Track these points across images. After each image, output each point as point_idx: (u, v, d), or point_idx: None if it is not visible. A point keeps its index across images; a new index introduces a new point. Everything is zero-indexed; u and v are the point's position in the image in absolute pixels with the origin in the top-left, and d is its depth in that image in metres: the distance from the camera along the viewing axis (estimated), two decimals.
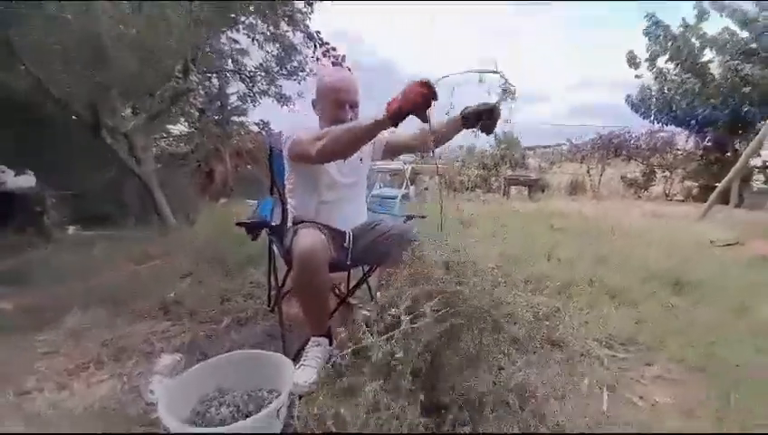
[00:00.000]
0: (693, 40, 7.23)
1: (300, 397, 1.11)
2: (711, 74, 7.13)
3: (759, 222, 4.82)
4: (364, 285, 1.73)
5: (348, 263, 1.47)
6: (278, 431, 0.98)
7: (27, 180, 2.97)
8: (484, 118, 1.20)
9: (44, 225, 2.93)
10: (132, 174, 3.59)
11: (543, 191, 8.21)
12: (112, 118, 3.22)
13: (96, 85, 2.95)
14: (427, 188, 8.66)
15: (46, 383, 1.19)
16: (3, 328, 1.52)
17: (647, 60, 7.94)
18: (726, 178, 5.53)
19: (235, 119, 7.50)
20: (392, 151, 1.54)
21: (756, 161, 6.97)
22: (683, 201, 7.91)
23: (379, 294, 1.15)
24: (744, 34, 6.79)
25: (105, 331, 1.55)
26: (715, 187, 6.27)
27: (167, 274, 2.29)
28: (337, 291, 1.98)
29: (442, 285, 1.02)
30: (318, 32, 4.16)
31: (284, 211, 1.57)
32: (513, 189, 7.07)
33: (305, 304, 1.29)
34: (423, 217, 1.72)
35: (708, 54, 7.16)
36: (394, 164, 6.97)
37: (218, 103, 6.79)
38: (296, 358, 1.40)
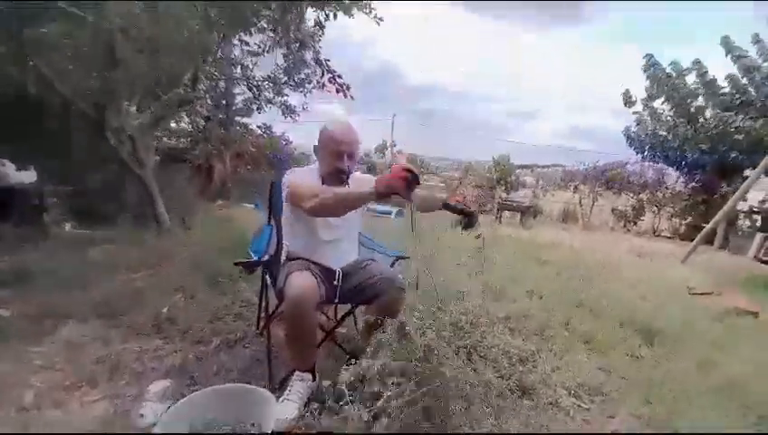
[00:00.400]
0: (688, 84, 7.51)
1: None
2: (703, 120, 7.39)
3: (740, 268, 5.00)
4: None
5: (336, 300, 1.56)
6: None
7: (29, 176, 3.02)
8: (463, 218, 1.39)
9: (44, 221, 2.97)
10: (133, 174, 3.65)
11: (535, 217, 8.38)
12: (117, 118, 3.29)
13: (104, 84, 3.02)
14: None
15: (43, 400, 1.26)
16: (1, 337, 1.58)
17: (643, 100, 8.22)
18: (713, 221, 5.71)
19: (239, 119, 7.60)
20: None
21: (743, 206, 7.19)
22: (670, 238, 8.13)
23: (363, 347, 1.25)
24: (743, 81, 7.05)
25: (100, 345, 1.62)
26: (702, 227, 6.50)
27: (161, 284, 2.35)
28: (324, 317, 2.07)
29: (420, 368, 1.12)
30: (327, 60, 4.28)
31: (279, 243, 1.66)
32: (506, 213, 7.22)
33: (292, 343, 1.37)
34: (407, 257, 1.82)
35: (701, 100, 7.43)
36: None
37: (224, 102, 6.86)
38: (281, 386, 1.49)
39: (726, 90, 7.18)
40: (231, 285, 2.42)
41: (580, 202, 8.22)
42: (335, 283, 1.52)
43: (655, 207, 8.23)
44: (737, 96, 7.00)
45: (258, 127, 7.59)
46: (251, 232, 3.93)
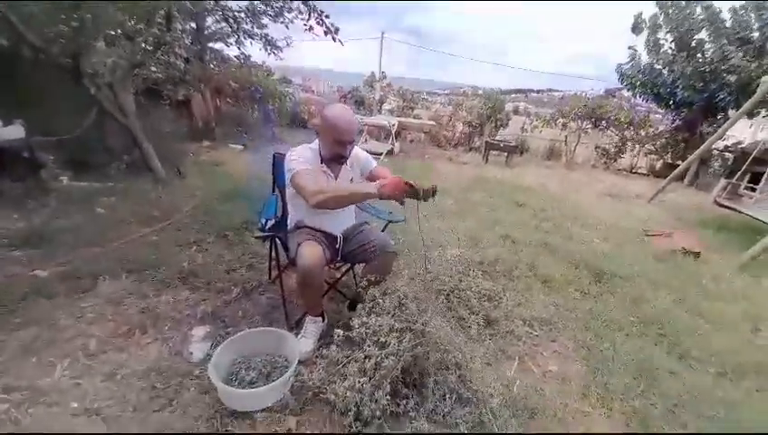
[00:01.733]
0: (697, 14, 7.17)
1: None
2: (701, 56, 7.24)
3: (699, 209, 5.49)
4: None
5: (338, 260, 1.86)
6: (289, 386, 1.45)
7: (16, 131, 2.99)
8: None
9: (42, 177, 3.04)
10: (117, 122, 3.61)
11: (522, 154, 8.57)
12: (91, 63, 3.13)
13: (73, 28, 2.84)
14: (412, 141, 8.81)
15: (107, 347, 1.59)
16: (48, 295, 1.84)
17: (647, 27, 7.87)
18: (687, 161, 6.07)
19: (213, 46, 7.01)
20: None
21: (718, 145, 7.50)
22: (645, 175, 8.57)
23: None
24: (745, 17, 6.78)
25: (137, 298, 1.92)
26: (677, 165, 6.86)
27: (175, 238, 2.59)
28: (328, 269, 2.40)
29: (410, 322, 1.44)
30: None
31: (284, 210, 1.89)
32: (494, 151, 7.37)
33: (305, 298, 1.69)
34: (403, 220, 2.08)
35: (704, 34, 7.19)
36: (381, 120, 6.99)
37: (193, 26, 6.26)
38: (297, 325, 1.86)
39: (729, 24, 6.93)
40: (237, 237, 2.68)
41: (565, 140, 8.37)
42: (337, 246, 1.80)
43: (636, 145, 8.48)
44: (737, 32, 6.80)
45: (236, 57, 7.08)
46: (243, 180, 4.08)
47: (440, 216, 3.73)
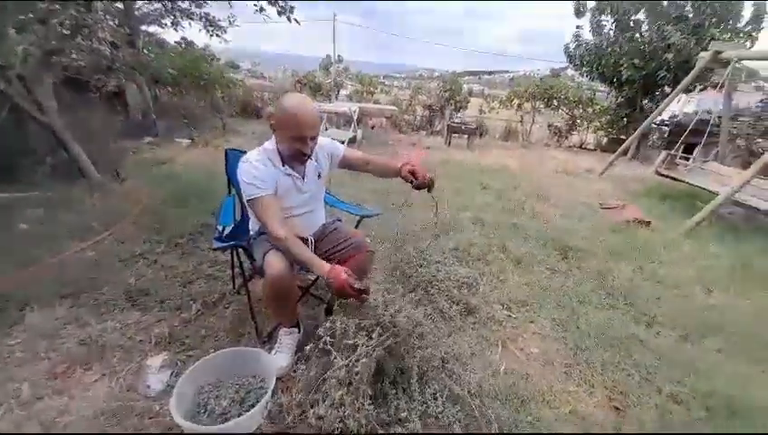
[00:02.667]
0: None
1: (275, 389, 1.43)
2: (639, 35, 7.71)
3: (644, 181, 5.91)
4: None
5: None
6: (267, 412, 1.31)
7: None
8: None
9: None
10: (36, 121, 3.10)
11: (482, 136, 8.74)
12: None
13: None
14: (373, 127, 8.63)
15: (42, 390, 1.33)
16: None
17: (591, 9, 8.21)
18: (631, 138, 6.50)
19: (147, 29, 6.27)
20: (345, 166, 1.70)
21: (657, 119, 8.11)
22: (593, 150, 9.12)
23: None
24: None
25: (76, 327, 1.65)
26: (621, 140, 7.34)
27: (117, 252, 2.28)
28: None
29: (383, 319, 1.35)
30: None
31: (244, 209, 1.69)
32: (454, 134, 7.42)
33: (276, 310, 1.54)
34: (378, 214, 1.97)
35: (642, 15, 7.63)
36: (342, 107, 6.72)
37: (120, 6, 5.52)
38: (269, 338, 1.71)
39: (665, 3, 7.41)
40: (192, 244, 2.42)
41: (521, 120, 8.63)
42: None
43: (585, 122, 8.96)
44: (673, 10, 7.28)
45: (177, 43, 6.40)
46: (193, 176, 3.71)
47: (410, 204, 3.65)
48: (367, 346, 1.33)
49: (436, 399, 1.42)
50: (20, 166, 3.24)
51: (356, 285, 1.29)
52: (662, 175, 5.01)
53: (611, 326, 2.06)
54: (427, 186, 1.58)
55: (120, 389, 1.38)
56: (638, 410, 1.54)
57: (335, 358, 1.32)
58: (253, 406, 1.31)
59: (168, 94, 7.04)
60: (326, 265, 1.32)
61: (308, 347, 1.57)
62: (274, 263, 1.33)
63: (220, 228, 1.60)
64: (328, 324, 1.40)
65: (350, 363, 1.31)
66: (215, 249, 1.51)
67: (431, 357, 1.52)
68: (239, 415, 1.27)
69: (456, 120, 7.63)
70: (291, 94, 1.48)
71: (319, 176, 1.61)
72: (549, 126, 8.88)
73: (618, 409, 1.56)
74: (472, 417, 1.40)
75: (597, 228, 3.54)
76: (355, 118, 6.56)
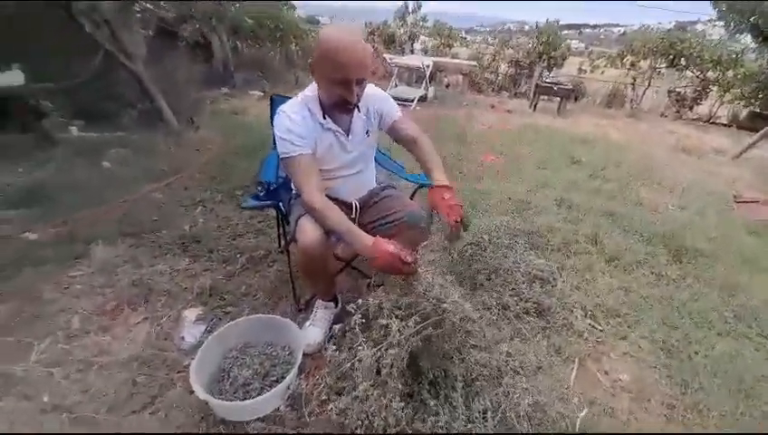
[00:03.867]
0: None
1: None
2: None
3: None
4: None
5: None
6: (290, 390, 1.18)
7: (15, 77, 2.75)
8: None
9: (45, 128, 2.84)
10: (125, 69, 3.28)
11: (577, 100, 7.43)
12: None
13: None
14: (448, 86, 7.88)
15: (90, 326, 1.38)
16: (36, 261, 1.66)
17: None
18: None
19: None
20: (391, 134, 1.39)
21: None
22: (726, 126, 7.22)
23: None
24: None
25: (132, 267, 1.69)
26: (766, 115, 5.63)
27: (181, 197, 2.34)
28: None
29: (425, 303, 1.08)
30: None
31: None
32: (543, 97, 6.38)
33: (310, 283, 1.37)
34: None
35: None
36: (414, 60, 6.16)
37: None
38: (307, 306, 1.58)
39: None
40: (247, 197, 2.38)
41: (633, 83, 7.10)
42: (352, 216, 1.42)
43: (721, 90, 7.06)
44: None
45: None
46: (262, 129, 3.71)
47: (479, 176, 3.21)
48: (401, 333, 1.09)
49: (485, 418, 1.16)
50: (109, 110, 3.52)
51: (407, 259, 1.06)
52: None
53: (738, 362, 1.54)
54: (457, 230, 1.24)
55: (158, 336, 1.37)
56: None
57: (363, 342, 1.12)
58: (277, 381, 1.19)
59: (247, 46, 7.18)
60: (368, 239, 1.09)
61: (337, 327, 1.42)
62: (307, 230, 1.13)
63: (262, 185, 1.44)
64: (360, 301, 1.20)
65: (380, 352, 1.10)
66: (243, 208, 1.36)
67: (485, 363, 1.24)
68: (261, 389, 1.16)
69: (548, 80, 6.50)
70: (332, 26, 1.18)
71: (367, 133, 1.33)
72: (669, 92, 7.18)
73: None
74: None
75: (726, 227, 2.73)
76: (428, 74, 5.98)
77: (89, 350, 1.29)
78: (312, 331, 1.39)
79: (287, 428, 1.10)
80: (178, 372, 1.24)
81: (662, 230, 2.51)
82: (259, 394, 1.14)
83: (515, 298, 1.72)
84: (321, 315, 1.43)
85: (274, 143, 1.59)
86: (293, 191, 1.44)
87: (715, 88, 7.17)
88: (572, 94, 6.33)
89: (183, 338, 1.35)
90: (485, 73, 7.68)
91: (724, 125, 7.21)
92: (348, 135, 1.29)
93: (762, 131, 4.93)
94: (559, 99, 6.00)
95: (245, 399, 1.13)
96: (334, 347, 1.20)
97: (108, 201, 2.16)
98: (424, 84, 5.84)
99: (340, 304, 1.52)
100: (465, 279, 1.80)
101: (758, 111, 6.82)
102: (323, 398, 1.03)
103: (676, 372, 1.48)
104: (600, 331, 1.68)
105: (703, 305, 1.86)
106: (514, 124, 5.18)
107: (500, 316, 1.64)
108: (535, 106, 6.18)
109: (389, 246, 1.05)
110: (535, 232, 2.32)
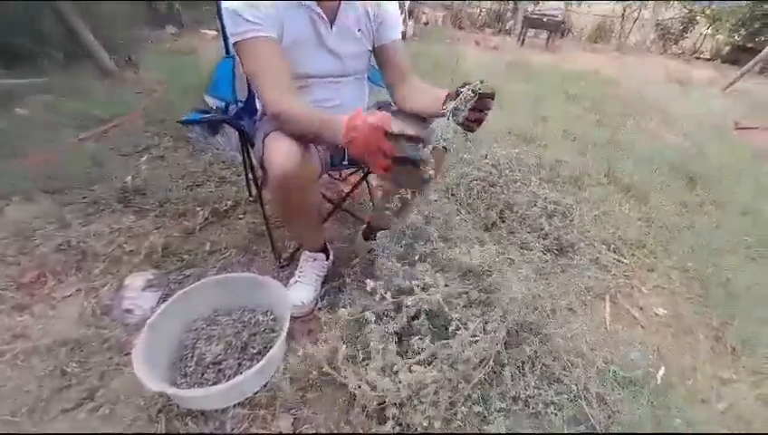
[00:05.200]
0: None
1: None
2: None
3: None
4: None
5: (344, 163, 1.16)
6: (278, 364, 0.91)
7: None
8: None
9: None
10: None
11: (564, 35, 6.97)
12: None
13: None
14: (427, 23, 7.18)
15: (3, 304, 1.03)
16: None
17: None
18: None
19: None
20: (381, 55, 1.05)
21: None
22: (709, 60, 7.07)
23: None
24: None
25: (56, 228, 1.31)
26: (750, 48, 5.46)
27: (119, 145, 1.89)
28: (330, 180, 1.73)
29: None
30: None
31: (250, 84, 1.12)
32: (531, 30, 5.89)
33: (291, 224, 1.07)
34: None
35: None
36: None
37: None
38: (290, 262, 1.29)
39: None
40: (205, 141, 1.96)
41: (623, 14, 6.69)
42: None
43: (708, 22, 6.80)
44: None
45: None
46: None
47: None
48: (420, 293, 0.83)
49: (523, 374, 0.95)
50: (29, 50, 2.84)
51: (395, 131, 0.71)
52: None
53: None
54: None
55: (95, 312, 1.05)
56: None
57: (382, 295, 0.85)
58: (259, 354, 0.92)
59: None
60: (341, 119, 0.76)
61: (335, 283, 1.15)
62: (279, 150, 0.80)
63: (212, 103, 1.06)
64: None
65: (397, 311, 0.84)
66: (181, 123, 0.99)
67: (511, 308, 1.01)
68: (239, 366, 0.89)
69: (537, 12, 5.96)
70: None
71: (359, 31, 0.96)
72: (657, 24, 6.85)
73: None
74: (575, 405, 0.92)
75: (733, 154, 2.58)
76: (406, 8, 5.33)
77: (5, 333, 0.96)
78: (300, 289, 1.10)
79: (281, 410, 0.85)
80: (126, 355, 0.94)
81: (672, 159, 2.33)
82: (237, 373, 0.87)
83: (534, 235, 1.49)
84: (310, 271, 1.14)
85: (226, 48, 1.20)
86: (259, 111, 1.08)
87: (702, 20, 6.89)
88: (562, 27, 5.87)
89: (128, 310, 1.04)
90: (468, 8, 7.00)
91: (708, 59, 7.06)
92: (331, 25, 0.92)
93: (751, 61, 4.77)
94: (547, 33, 5.55)
95: (219, 381, 0.85)
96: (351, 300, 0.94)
97: (24, 154, 1.70)
98: (402, 19, 5.21)
99: (331, 257, 1.24)
100: (477, 217, 1.55)
101: (741, 44, 6.65)
102: (323, 369, 0.77)
103: (713, 302, 1.32)
104: (627, 264, 1.50)
105: (725, 232, 1.71)
106: (504, 60, 4.76)
107: (519, 256, 1.41)
108: (523, 41, 5.72)
109: (369, 117, 0.72)
110: (544, 165, 2.07)
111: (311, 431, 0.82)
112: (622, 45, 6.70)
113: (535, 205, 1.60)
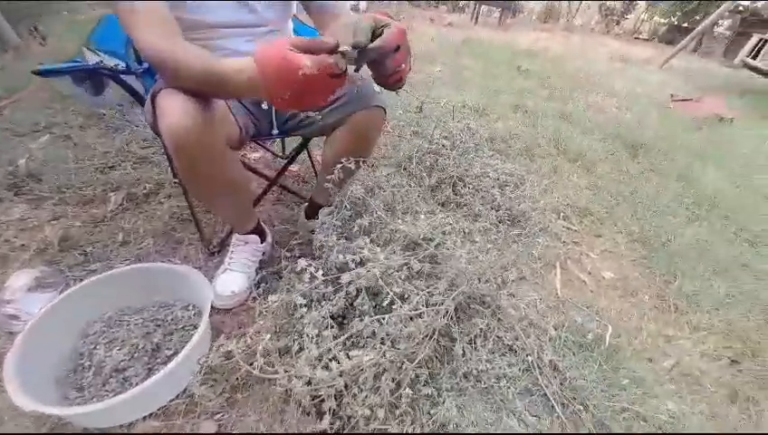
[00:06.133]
0: None
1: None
2: None
3: (715, 74, 4.80)
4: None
5: (274, 132, 1.02)
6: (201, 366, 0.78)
7: None
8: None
9: None
10: None
11: (515, 14, 7.07)
12: None
13: None
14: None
15: None
16: None
17: None
18: (706, 22, 5.06)
19: None
20: (318, 20, 0.89)
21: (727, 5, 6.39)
22: (647, 40, 7.52)
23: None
24: None
25: None
26: (684, 27, 5.87)
27: (17, 124, 1.60)
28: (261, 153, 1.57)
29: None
30: None
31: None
32: (483, 9, 5.90)
33: (208, 204, 0.92)
34: None
35: None
36: None
37: None
38: (221, 248, 1.14)
39: None
40: (120, 118, 1.71)
41: None
42: (263, 105, 0.95)
43: (646, 3, 7.19)
44: None
45: None
46: None
47: (428, 84, 2.78)
48: (357, 268, 0.74)
49: (474, 346, 0.90)
50: None
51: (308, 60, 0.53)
52: (752, 68, 3.92)
53: (708, 246, 1.48)
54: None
55: None
56: (762, 360, 1.04)
57: (309, 278, 0.75)
58: (176, 355, 0.78)
59: None
60: (244, 60, 0.59)
61: (274, 268, 1.02)
62: (172, 110, 0.64)
63: (93, 58, 0.86)
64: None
65: (338, 295, 0.75)
66: (38, 74, 0.80)
67: (460, 280, 0.95)
68: (149, 372, 0.75)
69: None
70: None
71: None
72: (600, 6, 7.13)
73: (735, 361, 1.05)
74: (528, 375, 0.89)
75: (670, 124, 2.73)
76: None
77: None
78: (229, 277, 0.97)
79: (203, 417, 0.73)
80: None
81: (616, 130, 2.41)
82: (146, 380, 0.73)
83: (486, 207, 1.45)
84: (241, 256, 1.00)
85: None
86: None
87: (641, 4, 7.27)
88: (513, 5, 5.92)
89: (12, 316, 0.85)
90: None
91: (646, 39, 7.51)
92: None
93: (686, 39, 5.11)
94: (499, 11, 5.57)
95: (124, 392, 0.71)
96: (274, 297, 0.81)
97: None
98: None
99: (269, 240, 1.11)
100: (427, 190, 1.47)
101: (676, 24, 7.12)
102: (255, 364, 0.65)
103: (656, 262, 1.37)
104: (575, 231, 1.51)
105: (664, 197, 1.79)
106: (458, 37, 4.71)
107: (472, 227, 1.36)
108: (476, 19, 5.70)
109: (274, 47, 0.55)
110: (495, 137, 2.04)
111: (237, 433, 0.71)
112: (570, 25, 6.92)
113: (488, 176, 1.55)
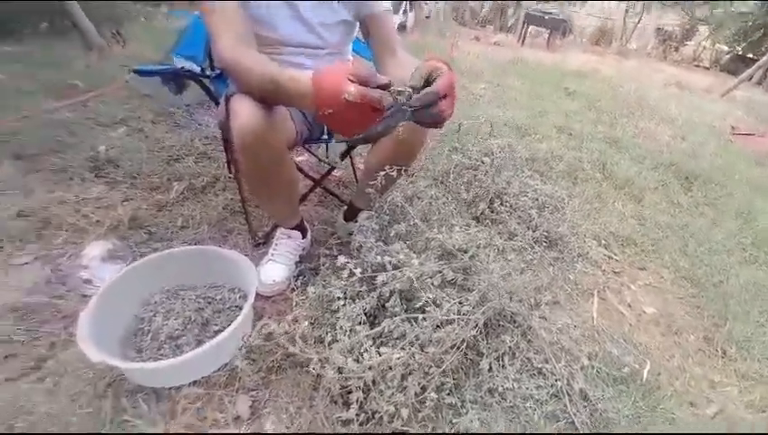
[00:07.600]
0: None
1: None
2: None
3: None
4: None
5: (324, 136, 1.10)
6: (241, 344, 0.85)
7: None
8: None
9: None
10: None
11: (565, 35, 6.92)
12: None
13: None
14: (428, 16, 7.09)
15: None
16: None
17: None
18: None
19: None
20: (368, 26, 0.96)
21: None
22: (708, 68, 7.07)
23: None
24: None
25: (19, 196, 1.24)
26: (748, 58, 5.47)
27: (98, 115, 1.81)
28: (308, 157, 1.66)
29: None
30: None
31: None
32: (532, 30, 5.84)
33: (260, 198, 1.00)
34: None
35: None
36: None
37: None
38: (266, 241, 1.22)
39: None
40: (186, 117, 1.88)
41: (625, 17, 6.67)
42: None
43: (710, 29, 6.79)
44: None
45: None
46: None
47: (471, 103, 2.82)
48: (392, 270, 0.77)
49: (502, 365, 0.90)
50: (15, 21, 2.74)
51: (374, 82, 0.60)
52: None
53: (765, 290, 1.37)
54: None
55: (50, 280, 0.97)
56: None
57: (348, 275, 0.79)
58: (222, 332, 0.85)
59: None
60: (304, 73, 0.66)
61: (312, 264, 1.08)
62: (242, 112, 0.73)
63: (180, 65, 0.98)
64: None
65: (372, 294, 0.78)
66: (135, 72, 0.91)
67: (492, 294, 0.95)
68: (198, 343, 0.82)
69: (539, 9, 5.90)
70: None
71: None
72: (657, 29, 6.83)
73: None
74: (556, 401, 0.87)
75: (729, 158, 2.56)
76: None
77: None
78: (272, 268, 1.04)
79: (240, 392, 0.79)
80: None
81: (669, 159, 2.30)
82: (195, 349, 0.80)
83: (523, 226, 1.44)
84: (284, 249, 1.07)
85: None
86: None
87: (702, 29, 6.89)
88: (563, 25, 5.82)
89: (86, 280, 0.97)
90: (470, 2, 6.91)
91: (707, 67, 7.07)
92: None
93: (751, 69, 4.78)
94: (548, 32, 5.50)
95: (175, 356, 0.79)
96: (312, 288, 0.87)
97: None
98: (403, 8, 5.13)
99: (309, 237, 1.17)
100: (464, 204, 1.49)
101: (740, 54, 6.66)
102: (290, 350, 0.70)
103: (706, 303, 1.28)
104: (617, 261, 1.45)
105: (720, 233, 1.68)
106: (504, 57, 4.71)
107: (506, 246, 1.35)
108: (524, 40, 5.66)
109: (333, 71, 0.61)
110: (537, 158, 2.02)
111: (269, 424, 0.76)
112: (623, 49, 6.67)
113: (526, 195, 1.54)
